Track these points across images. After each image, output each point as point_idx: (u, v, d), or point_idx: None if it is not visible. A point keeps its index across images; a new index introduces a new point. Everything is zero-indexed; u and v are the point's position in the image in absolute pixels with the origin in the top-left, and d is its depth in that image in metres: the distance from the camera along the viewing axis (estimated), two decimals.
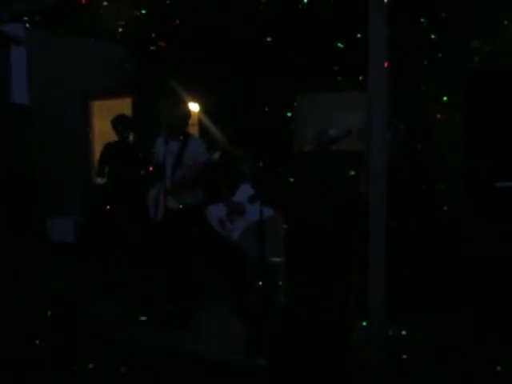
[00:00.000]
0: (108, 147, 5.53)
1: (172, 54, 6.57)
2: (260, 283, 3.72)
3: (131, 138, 5.55)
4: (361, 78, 3.72)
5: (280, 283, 3.78)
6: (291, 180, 3.90)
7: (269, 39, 5.76)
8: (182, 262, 4.22)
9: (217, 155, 4.21)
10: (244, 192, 3.77)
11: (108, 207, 5.31)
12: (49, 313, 4.16)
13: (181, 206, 4.16)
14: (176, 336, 3.91)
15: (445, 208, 4.87)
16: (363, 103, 5.33)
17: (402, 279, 3.92)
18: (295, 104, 6.10)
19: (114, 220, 5.25)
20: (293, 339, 3.28)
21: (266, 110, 5.66)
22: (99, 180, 5.59)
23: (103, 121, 7.67)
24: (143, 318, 4.14)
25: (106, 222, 5.37)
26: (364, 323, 3.03)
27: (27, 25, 7.15)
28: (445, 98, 5.14)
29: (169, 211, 4.07)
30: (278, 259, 3.75)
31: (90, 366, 3.44)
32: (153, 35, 6.27)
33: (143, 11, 5.30)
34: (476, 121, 5.15)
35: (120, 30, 6.10)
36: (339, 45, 5.30)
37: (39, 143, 8.33)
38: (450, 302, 4.04)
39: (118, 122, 5.40)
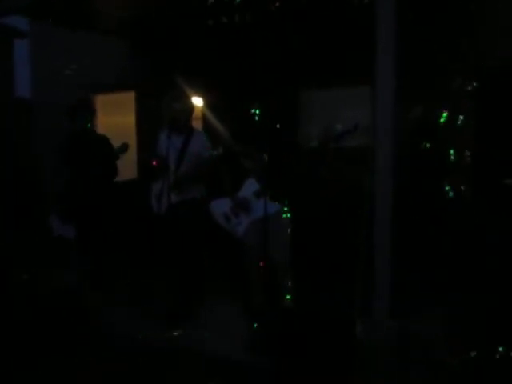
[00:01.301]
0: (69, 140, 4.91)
1: (176, 48, 6.53)
2: (264, 279, 3.68)
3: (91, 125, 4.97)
4: (367, 73, 3.68)
5: (285, 279, 3.74)
6: (296, 175, 3.86)
7: (275, 34, 5.72)
8: (184, 257, 4.19)
9: (221, 150, 4.17)
10: (250, 187, 3.72)
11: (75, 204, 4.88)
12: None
13: (183, 200, 4.12)
14: (178, 332, 3.88)
15: (451, 205, 4.83)
16: (369, 99, 5.31)
17: (407, 277, 3.90)
18: (301, 99, 6.04)
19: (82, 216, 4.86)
20: (297, 336, 3.25)
21: (272, 104, 5.61)
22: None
23: (106, 115, 7.64)
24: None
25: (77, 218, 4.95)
26: None
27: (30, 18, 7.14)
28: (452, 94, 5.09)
29: (172, 206, 4.03)
30: (283, 255, 3.71)
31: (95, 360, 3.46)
32: (156, 29, 6.24)
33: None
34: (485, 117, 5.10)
35: (123, 23, 6.07)
36: (346, 40, 5.25)
37: (41, 137, 8.29)
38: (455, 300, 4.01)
39: (74, 108, 4.85)
